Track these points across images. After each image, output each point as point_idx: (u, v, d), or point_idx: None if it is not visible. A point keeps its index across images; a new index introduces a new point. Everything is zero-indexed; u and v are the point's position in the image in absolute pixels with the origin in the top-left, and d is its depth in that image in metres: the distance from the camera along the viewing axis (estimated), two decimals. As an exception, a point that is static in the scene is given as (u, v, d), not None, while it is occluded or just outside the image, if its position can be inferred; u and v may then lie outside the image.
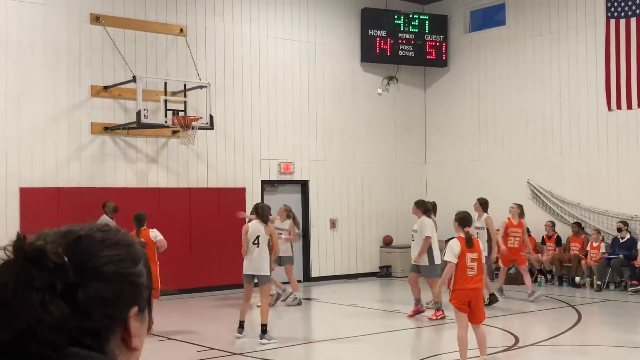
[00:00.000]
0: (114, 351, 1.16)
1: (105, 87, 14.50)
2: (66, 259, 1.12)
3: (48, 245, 1.13)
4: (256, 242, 10.10)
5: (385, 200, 18.62)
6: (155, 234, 10.56)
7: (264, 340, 9.98)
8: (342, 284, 17.16)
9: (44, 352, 1.08)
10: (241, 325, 10.32)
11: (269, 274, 10.26)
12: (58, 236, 1.17)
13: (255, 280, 10.22)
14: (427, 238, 11.96)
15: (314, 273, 17.46)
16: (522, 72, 17.42)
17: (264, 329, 10.04)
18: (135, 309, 1.18)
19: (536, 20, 17.17)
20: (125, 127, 14.42)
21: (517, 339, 10.20)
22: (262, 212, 10.27)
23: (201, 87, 14.56)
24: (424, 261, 11.88)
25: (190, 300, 14.39)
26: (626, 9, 15.48)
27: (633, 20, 15.38)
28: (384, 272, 18.26)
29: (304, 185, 17.51)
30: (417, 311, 12.11)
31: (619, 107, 15.65)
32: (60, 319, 1.09)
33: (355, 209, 18.18)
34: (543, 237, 16.53)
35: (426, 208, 12.25)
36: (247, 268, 10.24)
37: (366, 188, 18.32)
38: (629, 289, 14.63)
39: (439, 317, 11.65)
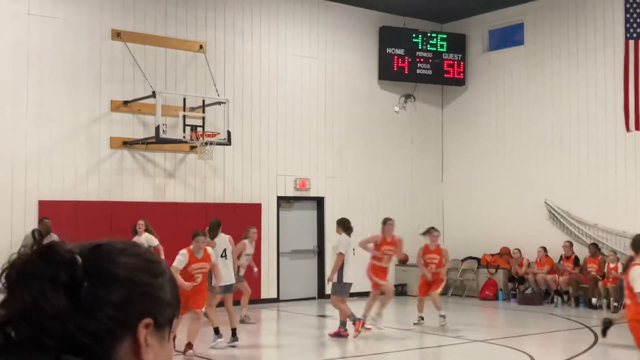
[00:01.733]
0: None
1: (125, 102, 14.63)
2: (79, 258, 1.14)
3: (64, 246, 1.16)
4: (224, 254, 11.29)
5: (401, 218, 18.47)
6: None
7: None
8: (357, 301, 17.07)
9: (37, 336, 1.10)
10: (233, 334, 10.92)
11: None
12: (81, 244, 1.20)
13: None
14: (340, 255, 11.82)
15: (328, 290, 17.37)
16: (540, 92, 17.38)
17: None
18: (147, 321, 1.17)
19: (555, 41, 17.14)
20: (144, 142, 14.52)
21: (532, 358, 10.10)
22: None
23: (219, 103, 14.65)
24: (334, 278, 11.72)
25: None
26: (645, 29, 15.43)
27: (652, 41, 15.32)
28: (400, 291, 18.16)
29: (319, 202, 17.51)
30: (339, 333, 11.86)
31: (637, 128, 15.55)
32: (59, 309, 1.10)
33: (371, 226, 18.10)
34: (561, 257, 16.41)
35: (346, 226, 12.09)
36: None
37: (382, 205, 18.26)
38: (647, 312, 14.45)
39: (361, 327, 11.62)
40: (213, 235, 11.33)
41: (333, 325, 14.30)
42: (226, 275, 10.85)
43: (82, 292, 1.12)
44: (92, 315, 1.12)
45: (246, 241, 12.88)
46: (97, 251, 1.19)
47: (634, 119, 15.61)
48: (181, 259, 9.75)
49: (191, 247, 9.97)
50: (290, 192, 16.97)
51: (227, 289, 10.93)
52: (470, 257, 18.23)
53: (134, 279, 1.17)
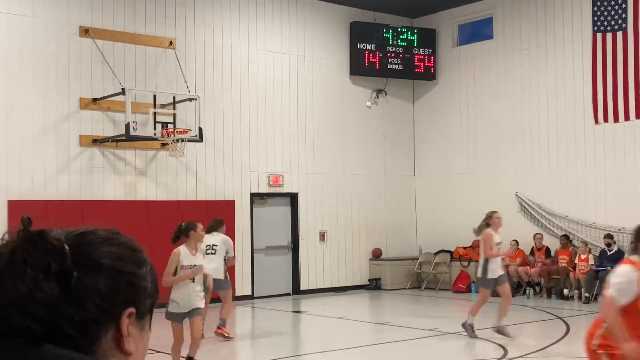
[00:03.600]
0: (107, 353, 1.15)
1: (94, 100, 14.47)
2: (66, 246, 1.14)
3: (52, 233, 1.16)
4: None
5: (374, 213, 18.63)
6: None
7: None
8: (332, 296, 17.13)
9: (30, 326, 1.08)
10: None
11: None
12: (65, 231, 1.21)
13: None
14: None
15: (303, 286, 17.42)
16: (510, 86, 17.52)
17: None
18: (130, 310, 1.17)
19: (524, 34, 17.29)
20: (114, 140, 14.39)
21: (505, 351, 10.20)
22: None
23: (190, 99, 14.56)
24: (219, 274, 11.08)
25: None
26: (612, 22, 15.62)
27: (619, 34, 15.52)
28: (374, 285, 18.24)
29: (293, 198, 17.50)
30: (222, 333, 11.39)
31: (605, 120, 15.76)
32: (52, 298, 1.09)
33: (345, 221, 18.18)
34: (532, 249, 16.58)
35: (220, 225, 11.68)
36: None
37: (355, 200, 18.32)
38: (617, 301, 14.67)
39: (226, 335, 11.26)
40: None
41: (309, 320, 14.34)
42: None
43: (71, 281, 1.11)
44: (80, 305, 1.12)
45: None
46: (81, 239, 1.19)
47: (603, 111, 15.80)
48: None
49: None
50: (264, 189, 16.93)
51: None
52: (443, 250, 18.35)
53: (120, 268, 1.17)
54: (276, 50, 17.26)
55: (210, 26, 16.26)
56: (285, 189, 17.29)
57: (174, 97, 14.56)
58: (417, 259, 18.67)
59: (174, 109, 14.47)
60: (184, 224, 8.71)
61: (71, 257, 1.13)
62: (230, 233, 13.46)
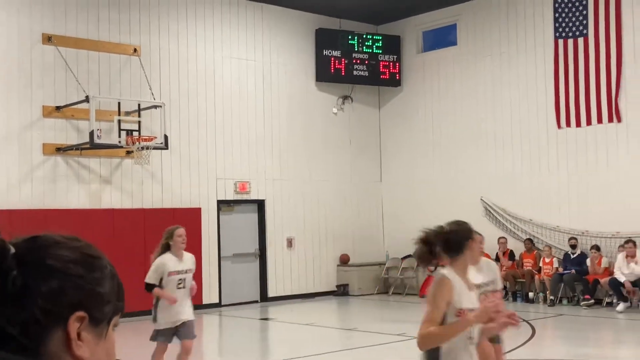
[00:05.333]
0: (56, 356, 1.12)
1: (58, 108, 14.26)
2: (11, 247, 1.12)
3: None
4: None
5: (341, 219, 18.64)
6: None
7: None
8: (300, 303, 17.08)
9: None
10: None
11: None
12: (19, 236, 1.19)
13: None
14: None
15: (270, 293, 17.34)
16: (473, 91, 17.68)
17: None
18: (79, 313, 1.14)
19: (487, 41, 17.47)
20: (78, 148, 14.19)
21: (473, 355, 10.24)
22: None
23: (155, 106, 14.44)
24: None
25: (145, 322, 14.14)
26: (573, 29, 15.86)
27: (580, 40, 15.75)
28: (341, 291, 18.23)
29: (260, 205, 17.43)
30: None
31: (568, 125, 15.98)
32: None
33: (312, 227, 18.15)
34: (497, 253, 16.73)
35: None
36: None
37: (322, 207, 18.31)
38: (582, 303, 14.88)
39: None
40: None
41: (277, 327, 14.26)
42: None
43: (10, 280, 1.10)
44: (21, 305, 1.10)
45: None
46: (32, 242, 1.17)
47: (565, 116, 16.02)
48: None
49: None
50: (231, 196, 16.84)
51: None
52: (410, 256, 18.40)
53: (67, 271, 1.15)
54: (242, 57, 17.20)
55: (175, 33, 16.15)
56: (252, 196, 17.22)
57: (139, 105, 14.42)
58: (384, 264, 18.71)
59: (139, 116, 14.32)
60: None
61: (17, 257, 1.12)
62: (197, 241, 13.37)
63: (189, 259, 8.00)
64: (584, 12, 15.66)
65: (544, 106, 16.29)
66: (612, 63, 15.30)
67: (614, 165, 15.15)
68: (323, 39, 18.44)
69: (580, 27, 15.75)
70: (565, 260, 15.49)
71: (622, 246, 14.49)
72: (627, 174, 14.87)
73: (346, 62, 18.60)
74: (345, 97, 19.01)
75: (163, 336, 7.83)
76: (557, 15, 16.10)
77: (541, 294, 15.59)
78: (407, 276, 18.26)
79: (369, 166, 19.40)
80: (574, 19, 15.85)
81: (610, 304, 14.57)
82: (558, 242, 15.92)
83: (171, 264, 7.77)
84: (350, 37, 18.70)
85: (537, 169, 16.39)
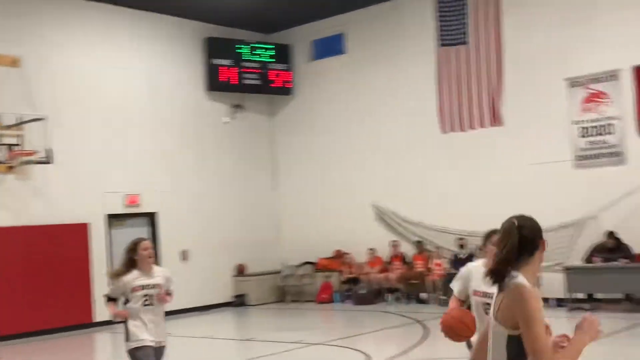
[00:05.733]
0: None
1: None
2: None
3: None
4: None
5: (236, 229, 18.45)
6: None
7: None
8: (196, 316, 16.77)
9: None
10: None
11: None
12: None
13: None
14: None
15: (166, 307, 16.89)
16: (363, 99, 17.94)
17: None
18: None
19: (374, 49, 17.77)
20: (-45, 164, 13.44)
21: (368, 357, 10.34)
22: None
23: (38, 119, 13.85)
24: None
25: (32, 344, 13.52)
26: (455, 37, 16.37)
27: (462, 48, 16.27)
28: (239, 301, 18.04)
29: (152, 218, 17.01)
30: None
31: (452, 129, 16.46)
32: None
33: (207, 239, 17.87)
34: (389, 256, 17.02)
35: None
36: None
37: (216, 217, 18.08)
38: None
39: None
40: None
41: (175, 343, 13.89)
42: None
43: None
44: None
45: None
46: None
47: (449, 121, 16.50)
48: None
49: None
50: (120, 209, 16.35)
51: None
52: (307, 262, 18.46)
53: None
54: (128, 67, 16.77)
55: (57, 44, 15.56)
56: (143, 209, 16.78)
57: (20, 118, 13.80)
58: (281, 272, 18.67)
59: (21, 129, 13.70)
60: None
61: None
62: (85, 257, 12.89)
63: (159, 273, 7.04)
64: (464, 21, 16.20)
65: (429, 112, 16.71)
66: (492, 70, 15.88)
67: (497, 167, 15.71)
68: (213, 48, 18.26)
69: (462, 36, 16.27)
70: (455, 260, 15.92)
71: (507, 245, 14.98)
72: (509, 176, 15.44)
73: (236, 71, 18.49)
74: (236, 106, 18.87)
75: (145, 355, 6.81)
76: (439, 24, 16.58)
77: (433, 295, 15.96)
78: (304, 283, 18.29)
79: (262, 175, 19.33)
80: (455, 27, 16.36)
81: (497, 301, 15.03)
82: (447, 244, 16.35)
83: (138, 280, 6.82)
84: (240, 46, 18.60)
85: (425, 173, 16.77)
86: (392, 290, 16.74)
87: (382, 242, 17.13)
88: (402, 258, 16.89)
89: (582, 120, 14.69)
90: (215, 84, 18.30)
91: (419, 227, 16.90)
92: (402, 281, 16.58)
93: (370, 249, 17.19)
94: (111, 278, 7.08)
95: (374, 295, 16.79)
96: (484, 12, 15.91)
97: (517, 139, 15.42)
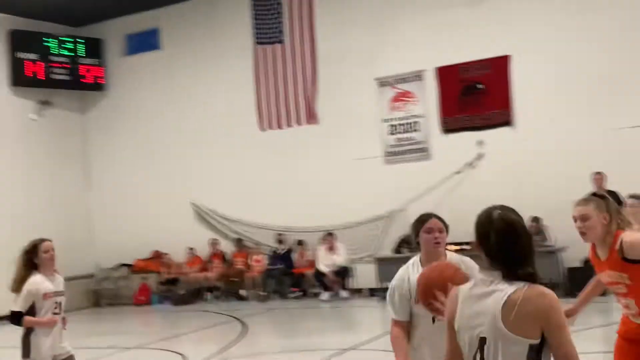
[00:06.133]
0: None
1: None
2: None
3: None
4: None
5: (45, 231, 17.35)
6: None
7: None
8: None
9: None
10: None
11: None
12: None
13: None
14: None
15: None
16: (180, 96, 17.60)
17: None
18: None
19: (191, 45, 17.50)
20: None
21: (185, 358, 10.16)
22: None
23: None
24: None
25: None
26: (271, 36, 16.51)
27: (278, 47, 16.44)
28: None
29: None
30: None
31: (270, 127, 16.60)
32: None
33: (13, 241, 16.69)
34: (209, 255, 16.87)
35: None
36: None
37: (24, 219, 16.94)
38: (290, 296, 15.58)
39: None
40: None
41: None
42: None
43: None
44: None
45: None
46: None
47: (267, 118, 16.62)
48: None
49: None
50: None
51: None
52: (123, 264, 17.85)
53: None
54: None
55: None
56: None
57: None
58: (95, 276, 17.91)
59: None
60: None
61: None
62: None
63: (60, 280, 6.28)
64: (280, 20, 16.38)
65: (247, 109, 16.73)
66: (307, 69, 16.19)
67: (313, 164, 16.04)
68: (17, 41, 17.12)
69: (278, 34, 16.45)
70: (274, 256, 16.10)
71: (323, 239, 15.40)
72: (324, 172, 15.82)
73: (44, 65, 17.47)
74: (44, 103, 17.82)
75: None
76: (255, 21, 16.65)
77: (253, 291, 16.03)
78: (120, 286, 17.67)
79: (74, 174, 18.41)
80: (270, 26, 16.51)
81: (316, 295, 15.42)
82: (266, 240, 16.47)
83: (45, 284, 6.06)
84: (48, 39, 17.59)
85: (242, 170, 16.76)
86: (211, 289, 16.61)
87: (201, 240, 16.93)
88: (221, 256, 16.79)
89: (391, 119, 15.38)
90: (21, 79, 17.18)
91: (237, 224, 16.89)
92: (221, 279, 16.50)
93: (190, 249, 16.95)
94: (15, 288, 6.09)
95: (194, 295, 16.57)
96: (299, 11, 16.18)
97: (331, 136, 15.83)
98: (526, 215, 13.58)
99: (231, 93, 16.96)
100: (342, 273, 15.18)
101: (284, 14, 16.32)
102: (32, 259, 6.10)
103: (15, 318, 6.04)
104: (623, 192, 11.88)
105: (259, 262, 16.14)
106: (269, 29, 16.52)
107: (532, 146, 13.90)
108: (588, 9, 13.61)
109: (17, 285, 6.07)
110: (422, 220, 4.31)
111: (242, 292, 16.21)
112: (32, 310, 6.05)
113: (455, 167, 14.58)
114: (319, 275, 15.25)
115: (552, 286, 11.56)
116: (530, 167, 13.83)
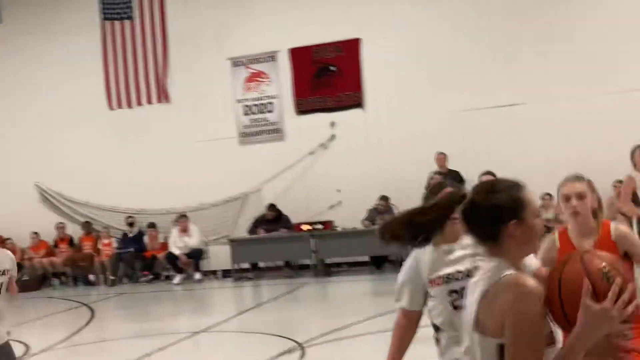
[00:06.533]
0: None
1: None
2: None
3: None
4: None
5: None
6: None
7: None
8: None
9: None
10: None
11: None
12: None
13: None
14: None
15: None
16: (22, 73, 16.65)
17: None
18: None
19: (33, 19, 16.56)
20: None
21: (27, 347, 9.65)
22: None
23: None
24: None
25: None
26: (119, 11, 15.92)
27: (127, 23, 15.90)
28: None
29: None
30: None
31: (119, 106, 16.08)
32: None
33: None
34: (55, 239, 16.17)
35: None
36: None
37: None
38: (141, 280, 15.25)
39: None
40: None
41: None
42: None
43: None
44: None
45: None
46: None
47: (116, 97, 16.08)
48: None
49: None
50: None
51: None
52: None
53: None
54: None
55: None
56: None
57: None
58: None
59: None
60: None
61: None
62: None
63: (6, 258, 5.30)
64: (130, -6, 15.86)
65: (94, 87, 16.11)
66: (158, 46, 15.78)
67: (166, 144, 15.72)
68: None
69: (127, 10, 15.89)
70: (124, 239, 15.66)
71: (175, 221, 15.15)
72: (178, 153, 15.55)
73: None
74: None
75: None
76: (103, -6, 16.03)
77: (102, 276, 15.55)
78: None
79: None
80: (119, 1, 15.91)
81: (168, 278, 15.17)
82: (116, 223, 16.00)
83: None
84: None
85: (92, 151, 16.15)
86: (58, 275, 15.92)
87: (47, 224, 16.16)
88: (69, 240, 16.13)
89: (245, 99, 15.33)
90: None
91: (85, 207, 16.30)
92: (69, 264, 15.85)
93: (34, 233, 16.14)
94: None
95: (39, 281, 15.81)
96: (149, -14, 15.72)
97: (184, 116, 15.59)
98: (376, 195, 14.12)
99: (79, 70, 16.24)
100: (196, 255, 15.01)
101: (134, -12, 15.80)
102: None
103: None
104: (463, 171, 12.56)
105: (108, 246, 15.65)
106: (117, 4, 15.91)
107: (380, 128, 14.35)
108: (434, -4, 14.19)
109: None
110: (437, 192, 3.39)
111: (91, 276, 15.69)
112: None
113: (308, 148, 14.80)
114: (172, 257, 14.99)
115: (399, 261, 12.04)
116: (380, 148, 14.28)
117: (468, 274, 2.98)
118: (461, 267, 3.25)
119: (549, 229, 4.37)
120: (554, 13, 13.52)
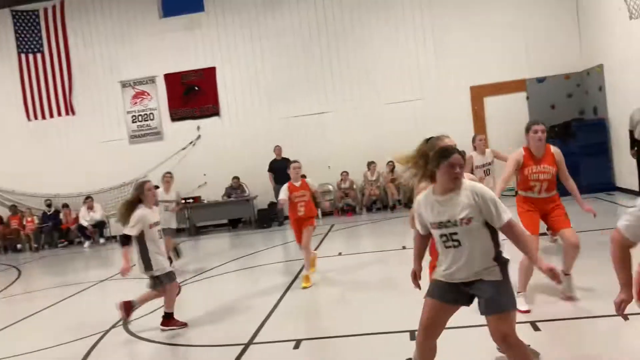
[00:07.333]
0: None
1: None
2: None
3: None
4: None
5: None
6: None
7: None
8: None
9: None
10: None
11: None
12: None
13: None
14: None
15: None
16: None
17: None
18: None
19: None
20: None
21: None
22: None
23: None
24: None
25: None
26: (32, 46, 15.51)
27: (39, 55, 15.52)
28: None
29: None
30: None
31: (35, 117, 15.75)
32: None
33: None
34: (-13, 220, 15.66)
35: None
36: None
37: None
38: (59, 246, 15.09)
39: None
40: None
41: None
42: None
43: None
44: None
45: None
46: None
47: (32, 111, 15.71)
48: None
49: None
50: None
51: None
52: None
53: None
54: None
55: None
56: None
57: None
58: None
59: None
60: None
61: None
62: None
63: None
64: (39, 33, 15.51)
65: (17, 104, 15.64)
66: (64, 72, 15.58)
67: (74, 145, 15.54)
68: None
69: (38, 45, 15.57)
70: (44, 217, 15.49)
71: (84, 202, 15.16)
72: (83, 152, 15.43)
73: None
74: None
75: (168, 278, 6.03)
76: (17, 33, 15.56)
77: (27, 245, 15.31)
78: None
79: None
80: (32, 37, 15.56)
81: (80, 243, 15.17)
82: (37, 205, 15.76)
83: (150, 216, 5.83)
84: None
85: (17, 151, 15.66)
86: (-7, 246, 15.44)
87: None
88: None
89: (133, 111, 15.51)
90: None
91: (12, 194, 15.89)
92: (0, 238, 15.46)
93: (-31, 216, 15.52)
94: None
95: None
96: (53, 26, 15.44)
97: (86, 124, 15.52)
98: (231, 176, 14.68)
99: (2, 91, 15.69)
100: (99, 225, 15.14)
101: (41, 27, 15.44)
102: (140, 196, 5.85)
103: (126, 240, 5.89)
104: (292, 158, 13.44)
105: (31, 222, 15.41)
106: (30, 41, 15.55)
107: (232, 130, 15.06)
108: (270, 35, 14.94)
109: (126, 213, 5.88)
110: (446, 155, 3.38)
111: (19, 246, 15.40)
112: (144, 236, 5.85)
113: (181, 145, 15.21)
114: (82, 228, 15.05)
115: (249, 222, 12.89)
116: (231, 144, 14.99)
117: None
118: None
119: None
120: (349, 47, 14.42)
